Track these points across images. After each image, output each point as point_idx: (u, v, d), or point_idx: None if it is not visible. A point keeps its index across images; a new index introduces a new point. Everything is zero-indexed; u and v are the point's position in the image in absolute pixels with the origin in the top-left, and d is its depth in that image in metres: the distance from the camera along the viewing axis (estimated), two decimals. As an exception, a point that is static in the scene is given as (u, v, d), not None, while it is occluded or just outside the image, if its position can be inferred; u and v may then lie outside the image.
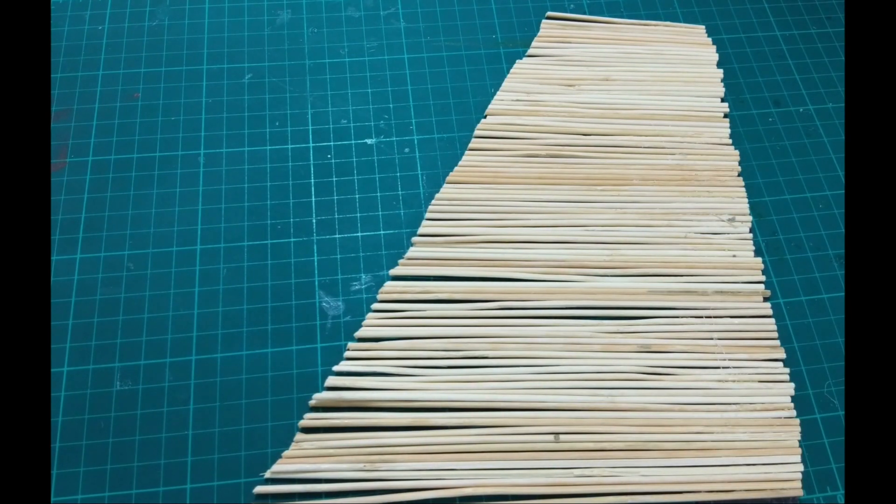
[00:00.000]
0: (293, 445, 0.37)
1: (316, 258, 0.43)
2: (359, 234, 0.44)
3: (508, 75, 0.50)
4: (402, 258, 0.43)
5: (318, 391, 0.38)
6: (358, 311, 0.41)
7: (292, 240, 0.43)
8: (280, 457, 0.36)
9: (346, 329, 0.40)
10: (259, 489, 0.36)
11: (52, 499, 0.35)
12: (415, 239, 0.43)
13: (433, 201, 0.44)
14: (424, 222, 0.44)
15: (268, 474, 0.36)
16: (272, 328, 0.40)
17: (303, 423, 0.37)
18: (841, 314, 0.42)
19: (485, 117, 0.48)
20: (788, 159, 0.48)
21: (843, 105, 0.50)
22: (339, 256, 0.43)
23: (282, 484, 0.36)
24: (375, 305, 0.41)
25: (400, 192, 0.45)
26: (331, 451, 0.37)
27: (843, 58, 0.53)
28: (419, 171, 0.46)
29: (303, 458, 0.36)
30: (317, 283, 0.42)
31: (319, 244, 0.43)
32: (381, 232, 0.44)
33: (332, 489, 0.36)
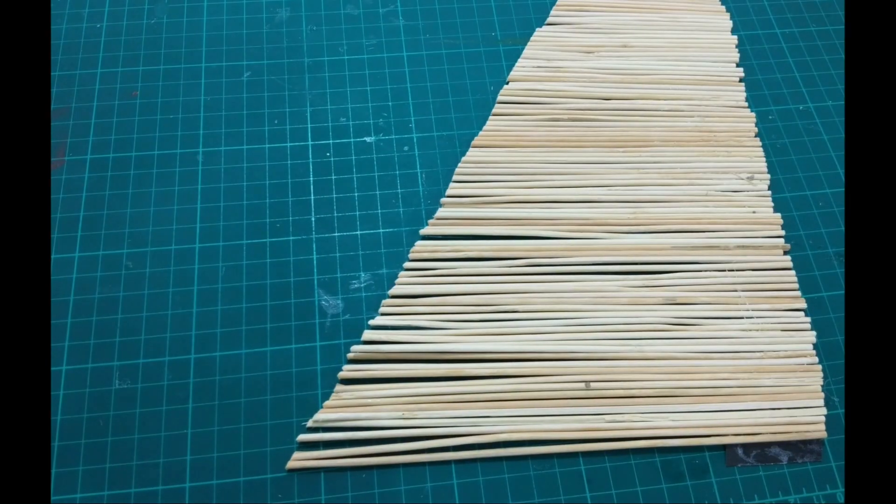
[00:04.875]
0: (333, 396, 0.38)
1: (315, 256, 0.43)
2: (358, 232, 0.44)
3: (528, 43, 0.51)
4: (432, 218, 0.43)
5: (316, 390, 0.38)
6: (357, 309, 0.41)
7: (291, 238, 0.43)
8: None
9: (345, 327, 0.40)
10: (302, 437, 0.37)
11: (52, 497, 0.35)
12: (443, 200, 0.44)
13: (460, 164, 0.45)
14: (452, 184, 0.45)
15: (310, 423, 0.37)
16: (271, 327, 0.40)
17: (342, 374, 0.38)
18: (841, 312, 0.42)
19: (507, 83, 0.49)
20: (788, 157, 0.48)
21: (843, 103, 0.50)
22: (338, 255, 0.43)
23: (323, 433, 0.37)
24: (407, 264, 0.42)
25: (399, 191, 0.45)
26: (369, 400, 0.38)
27: (843, 55, 0.52)
28: (418, 170, 0.46)
29: (343, 409, 0.38)
30: (316, 281, 0.42)
31: (318, 242, 0.43)
32: (381, 230, 0.44)
33: (371, 437, 0.37)
